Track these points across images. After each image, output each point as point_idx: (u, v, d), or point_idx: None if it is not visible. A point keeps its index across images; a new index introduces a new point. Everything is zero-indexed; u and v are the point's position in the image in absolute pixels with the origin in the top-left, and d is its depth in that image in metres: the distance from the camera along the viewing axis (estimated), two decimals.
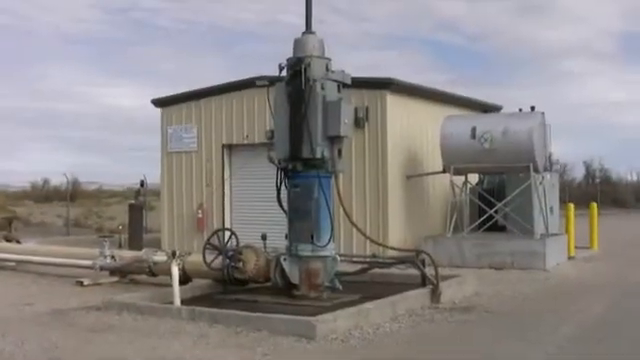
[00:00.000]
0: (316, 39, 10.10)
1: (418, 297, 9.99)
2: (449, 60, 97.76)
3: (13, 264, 15.17)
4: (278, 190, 10.21)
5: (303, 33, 10.16)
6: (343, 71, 10.21)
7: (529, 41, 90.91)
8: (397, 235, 16.42)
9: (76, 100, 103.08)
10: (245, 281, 10.51)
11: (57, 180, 43.78)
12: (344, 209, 10.63)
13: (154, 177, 22.59)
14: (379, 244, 13.17)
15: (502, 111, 20.80)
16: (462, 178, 16.82)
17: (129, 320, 8.97)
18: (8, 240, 16.42)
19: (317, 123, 9.73)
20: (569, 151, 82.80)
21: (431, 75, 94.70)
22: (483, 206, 16.85)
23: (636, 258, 17.25)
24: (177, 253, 10.82)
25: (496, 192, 17.54)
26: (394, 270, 11.16)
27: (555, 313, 9.90)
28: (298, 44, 10.08)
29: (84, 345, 7.71)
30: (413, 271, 10.68)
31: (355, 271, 10.91)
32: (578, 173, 54.75)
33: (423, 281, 10.44)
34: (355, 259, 11.63)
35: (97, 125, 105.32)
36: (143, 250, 13.04)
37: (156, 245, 17.02)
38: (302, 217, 9.90)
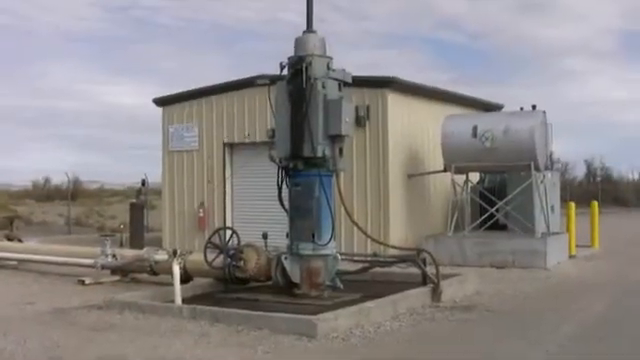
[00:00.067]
0: (317, 38, 10.11)
1: (419, 296, 10.00)
2: (450, 59, 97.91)
3: (15, 263, 15.20)
4: (279, 189, 10.21)
5: (304, 32, 10.17)
6: (344, 70, 10.21)
7: (530, 39, 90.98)
8: (398, 234, 16.42)
9: (77, 98, 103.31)
10: (246, 280, 10.51)
11: (58, 179, 43.82)
12: (345, 208, 10.63)
13: (155, 176, 22.66)
14: (380, 243, 13.17)
15: (503, 110, 20.78)
16: (463, 177, 16.82)
17: (130, 319, 8.98)
18: (10, 239, 16.45)
19: (318, 122, 9.73)
20: (570, 150, 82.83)
21: (432, 74, 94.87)
22: (484, 205, 16.85)
23: (637, 257, 17.25)
24: (178, 252, 10.83)
25: (497, 191, 17.54)
26: (395, 269, 11.16)
27: (556, 312, 9.90)
28: (299, 43, 10.09)
29: (85, 344, 7.71)
30: (414, 270, 10.68)
31: (356, 270, 10.92)
32: (579, 172, 54.82)
33: (424, 280, 10.44)
34: (356, 258, 11.62)
35: (98, 123, 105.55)
36: (144, 249, 13.05)
37: (157, 244, 17.05)
38: (303, 216, 9.90)
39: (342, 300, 9.45)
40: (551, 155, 19.41)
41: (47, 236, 23.20)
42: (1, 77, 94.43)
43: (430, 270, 10.43)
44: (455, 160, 16.23)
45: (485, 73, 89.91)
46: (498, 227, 16.83)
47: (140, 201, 20.80)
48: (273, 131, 10.30)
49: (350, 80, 10.28)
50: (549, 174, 17.43)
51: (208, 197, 19.15)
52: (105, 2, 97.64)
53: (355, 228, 12.03)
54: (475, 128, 15.96)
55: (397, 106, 16.98)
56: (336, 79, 10.04)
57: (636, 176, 55.97)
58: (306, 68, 9.76)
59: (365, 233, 12.07)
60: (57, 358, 7.18)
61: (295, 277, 9.86)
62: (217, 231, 11.28)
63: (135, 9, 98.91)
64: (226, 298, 9.97)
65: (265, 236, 10.52)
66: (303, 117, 9.72)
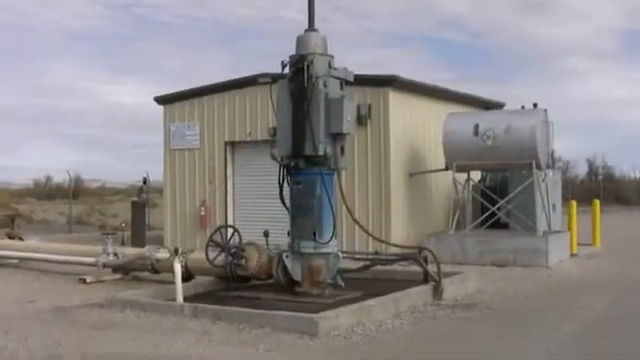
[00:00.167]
0: (319, 36, 10.10)
1: (420, 294, 9.99)
2: (451, 57, 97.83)
3: (16, 261, 15.23)
4: (281, 187, 10.22)
5: (306, 30, 10.16)
6: (346, 68, 10.21)
7: (532, 38, 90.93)
8: (399, 232, 16.42)
9: (78, 97, 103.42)
10: (247, 278, 10.51)
11: (60, 177, 43.97)
12: (346, 206, 10.63)
13: (157, 174, 22.69)
14: (381, 241, 13.16)
15: (505, 108, 20.76)
16: (464, 175, 16.81)
17: (132, 317, 8.98)
18: (11, 237, 16.46)
19: (320, 120, 9.73)
20: (572, 148, 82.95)
21: (434, 73, 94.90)
22: (486, 203, 16.85)
23: (639, 255, 17.24)
24: (180, 250, 10.82)
25: (498, 189, 17.54)
26: (396, 267, 11.14)
27: (557, 310, 9.90)
28: (301, 41, 10.08)
29: (87, 342, 7.72)
30: (415, 268, 10.67)
31: (357, 268, 10.92)
32: (581, 170, 54.76)
33: (425, 278, 10.44)
34: (357, 256, 11.62)
35: (100, 122, 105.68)
36: (146, 247, 13.06)
37: (159, 242, 17.06)
38: (304, 214, 9.90)
39: (343, 298, 9.44)
40: (553, 153, 19.38)
41: (48, 234, 23.21)
42: (2, 75, 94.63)
43: (431, 268, 10.43)
44: (456, 158, 16.22)
45: (487, 72, 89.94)
46: (499, 225, 16.82)
47: (142, 199, 20.83)
48: (274, 129, 10.30)
49: (352, 79, 10.27)
50: (551, 172, 17.41)
51: (209, 195, 19.15)
52: (107, 0, 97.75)
53: (357, 226, 12.03)
54: (477, 126, 15.95)
55: (398, 105, 16.97)
56: (338, 78, 10.04)
57: (638, 175, 55.90)
58: (308, 67, 9.75)
59: (366, 231, 12.07)
60: (58, 356, 7.19)
61: (296, 275, 9.86)
62: (218, 229, 11.27)
63: (137, 7, 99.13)
64: (227, 296, 9.98)
65: (266, 234, 10.52)
66: (305, 115, 9.71)
